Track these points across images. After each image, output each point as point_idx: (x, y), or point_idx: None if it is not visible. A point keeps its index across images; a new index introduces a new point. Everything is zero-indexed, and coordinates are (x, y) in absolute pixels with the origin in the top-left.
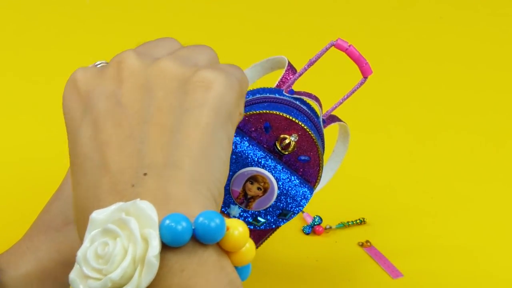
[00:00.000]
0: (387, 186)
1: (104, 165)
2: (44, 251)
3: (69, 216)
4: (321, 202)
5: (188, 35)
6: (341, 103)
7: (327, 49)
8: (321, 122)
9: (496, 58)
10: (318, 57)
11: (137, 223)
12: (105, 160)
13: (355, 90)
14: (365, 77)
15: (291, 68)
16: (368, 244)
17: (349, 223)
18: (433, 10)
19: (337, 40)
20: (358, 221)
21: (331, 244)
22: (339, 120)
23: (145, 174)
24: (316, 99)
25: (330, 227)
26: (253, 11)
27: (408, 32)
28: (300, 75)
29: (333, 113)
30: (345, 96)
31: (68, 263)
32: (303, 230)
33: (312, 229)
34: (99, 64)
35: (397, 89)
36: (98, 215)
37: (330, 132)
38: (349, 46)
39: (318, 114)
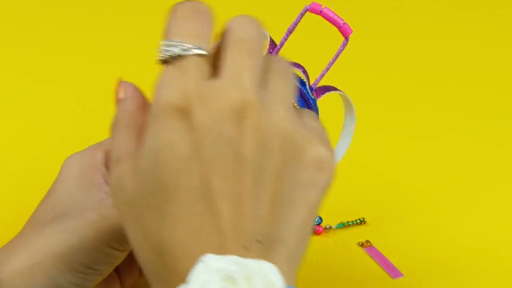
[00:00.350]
0: (387, 186)
1: (216, 214)
2: (32, 244)
3: (58, 210)
4: None
5: None
6: (328, 68)
7: (302, 14)
8: (309, 90)
9: (497, 58)
10: (295, 24)
11: (262, 283)
12: (218, 210)
13: (340, 52)
14: (346, 38)
15: (272, 43)
16: (368, 244)
17: (349, 223)
18: (433, 10)
19: (310, 4)
20: (358, 221)
21: (331, 244)
22: (334, 89)
23: (258, 240)
24: (300, 67)
25: (330, 227)
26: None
27: (408, 32)
28: (281, 45)
29: (323, 82)
30: (331, 61)
31: (55, 255)
32: None
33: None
34: (179, 51)
35: (397, 89)
36: (213, 261)
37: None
38: (324, 8)
39: (304, 82)
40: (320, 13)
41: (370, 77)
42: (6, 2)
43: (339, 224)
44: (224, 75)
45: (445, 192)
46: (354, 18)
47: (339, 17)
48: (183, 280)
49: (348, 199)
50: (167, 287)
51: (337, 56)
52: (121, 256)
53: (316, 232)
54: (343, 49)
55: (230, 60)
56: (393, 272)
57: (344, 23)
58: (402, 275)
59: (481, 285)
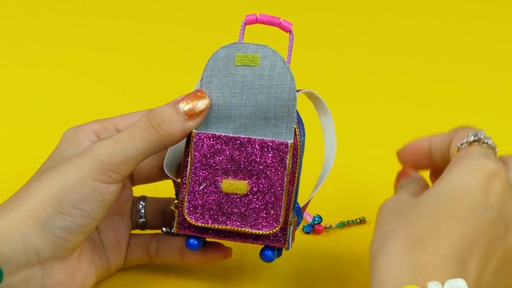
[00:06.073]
0: (387, 185)
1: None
2: (22, 197)
3: (49, 167)
4: (321, 201)
5: (189, 34)
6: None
7: (243, 30)
8: None
9: (497, 57)
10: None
11: None
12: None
13: (291, 48)
14: (289, 32)
15: None
16: None
17: (349, 222)
18: (433, 9)
19: (245, 17)
20: (358, 220)
21: (331, 243)
22: (297, 91)
23: None
24: None
25: (330, 226)
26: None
27: (407, 31)
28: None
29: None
30: (288, 59)
31: (42, 199)
32: (303, 229)
33: (312, 228)
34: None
35: (397, 88)
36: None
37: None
38: (258, 15)
39: None
40: (257, 21)
41: (370, 76)
42: (6, 1)
43: (339, 223)
44: None
45: None
46: (354, 18)
47: (274, 17)
48: None
49: (348, 198)
50: None
51: (290, 52)
52: (107, 192)
53: (316, 231)
54: (292, 44)
55: None
56: None
57: (281, 21)
58: None
59: None
